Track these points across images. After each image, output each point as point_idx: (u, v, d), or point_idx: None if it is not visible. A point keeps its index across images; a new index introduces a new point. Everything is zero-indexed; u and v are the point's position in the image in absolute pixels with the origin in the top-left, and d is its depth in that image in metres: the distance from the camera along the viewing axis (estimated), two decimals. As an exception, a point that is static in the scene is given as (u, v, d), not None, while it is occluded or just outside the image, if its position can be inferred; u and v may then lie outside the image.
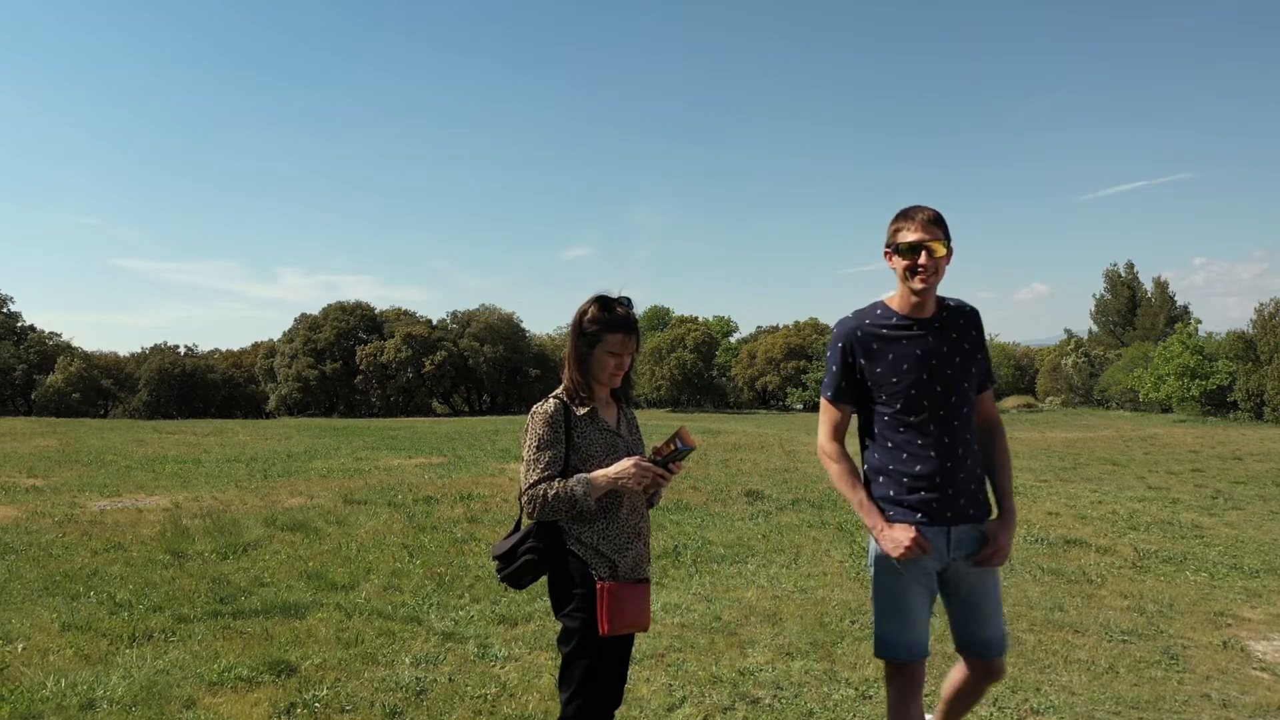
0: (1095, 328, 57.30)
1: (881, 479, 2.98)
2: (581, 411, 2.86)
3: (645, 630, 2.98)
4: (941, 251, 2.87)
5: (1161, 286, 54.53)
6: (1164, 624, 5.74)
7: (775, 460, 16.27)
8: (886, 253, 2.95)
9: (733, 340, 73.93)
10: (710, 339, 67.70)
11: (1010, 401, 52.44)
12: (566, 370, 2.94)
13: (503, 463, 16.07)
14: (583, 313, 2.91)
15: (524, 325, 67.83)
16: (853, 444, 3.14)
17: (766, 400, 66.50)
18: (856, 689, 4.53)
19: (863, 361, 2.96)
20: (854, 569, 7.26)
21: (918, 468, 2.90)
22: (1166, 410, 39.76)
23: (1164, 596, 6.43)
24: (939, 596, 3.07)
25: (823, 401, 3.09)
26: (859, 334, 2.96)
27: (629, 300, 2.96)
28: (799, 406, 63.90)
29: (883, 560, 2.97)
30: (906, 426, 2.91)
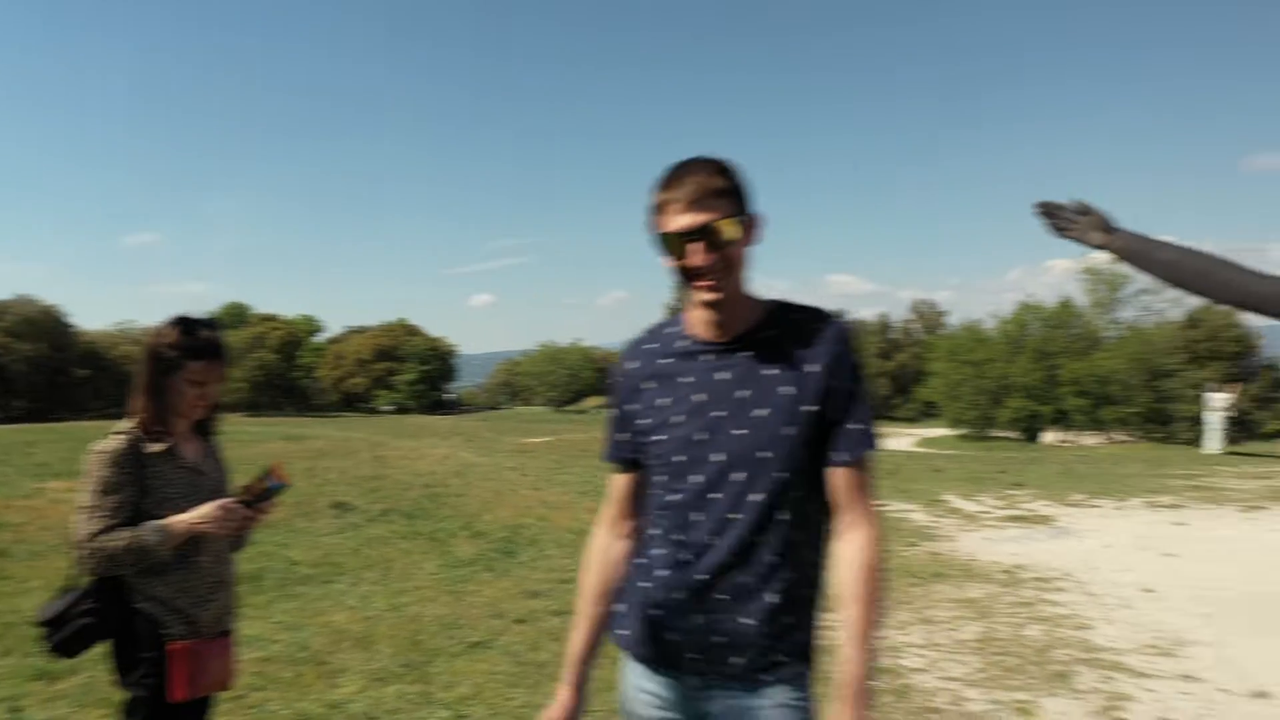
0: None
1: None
2: (156, 448, 2.52)
3: (229, 689, 2.70)
4: (732, 233, 1.73)
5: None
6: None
7: (364, 467, 15.77)
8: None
9: (319, 340, 71.13)
10: (294, 338, 64.51)
11: (596, 401, 55.95)
12: (136, 400, 2.58)
13: (40, 481, 13.84)
14: (158, 336, 2.59)
15: (70, 320, 59.77)
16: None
17: (352, 402, 64.78)
18: (451, 709, 4.51)
19: (632, 407, 1.92)
20: (447, 580, 7.25)
21: (660, 571, 1.85)
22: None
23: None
24: None
25: None
26: (630, 367, 1.93)
27: (215, 322, 2.69)
28: (388, 408, 62.89)
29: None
30: (665, 507, 1.85)
